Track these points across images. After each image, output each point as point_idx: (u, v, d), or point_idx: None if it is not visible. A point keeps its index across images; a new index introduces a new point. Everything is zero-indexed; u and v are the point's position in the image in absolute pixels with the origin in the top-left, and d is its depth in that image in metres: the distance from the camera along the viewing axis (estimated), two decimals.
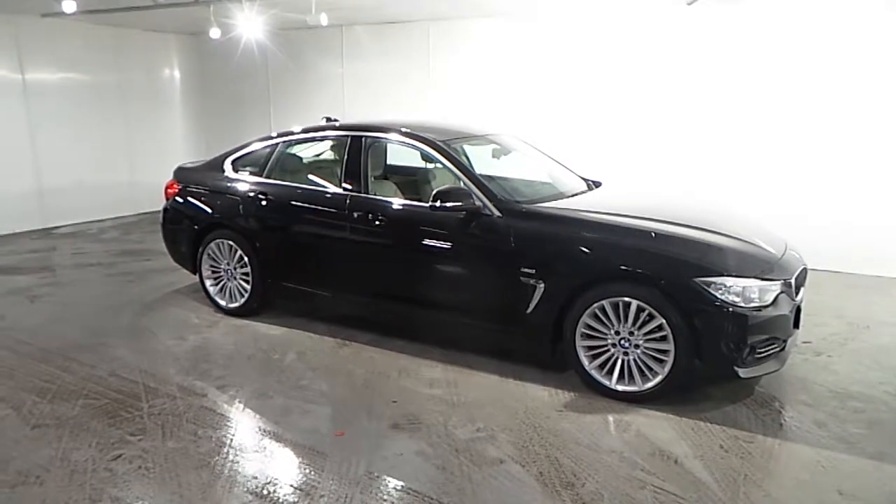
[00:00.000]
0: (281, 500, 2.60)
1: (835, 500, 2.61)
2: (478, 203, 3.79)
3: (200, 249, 4.93)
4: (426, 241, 3.96)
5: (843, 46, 5.69)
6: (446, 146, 4.14)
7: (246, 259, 4.71)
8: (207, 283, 4.98)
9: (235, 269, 4.82)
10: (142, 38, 9.19)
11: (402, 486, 2.70)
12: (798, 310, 3.50)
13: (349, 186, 4.31)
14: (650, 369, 3.39)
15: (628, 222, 3.61)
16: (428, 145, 4.16)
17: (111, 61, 8.91)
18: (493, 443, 3.06)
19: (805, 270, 3.71)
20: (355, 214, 4.19)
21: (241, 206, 4.72)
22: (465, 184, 3.92)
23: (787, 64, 5.93)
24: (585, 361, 3.54)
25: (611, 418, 3.31)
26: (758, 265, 3.37)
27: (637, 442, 3.07)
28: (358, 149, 4.38)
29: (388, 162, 5.22)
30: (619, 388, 3.47)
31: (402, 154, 4.97)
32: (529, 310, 3.64)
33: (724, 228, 3.64)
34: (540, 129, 6.64)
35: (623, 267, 3.38)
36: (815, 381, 3.71)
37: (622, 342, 3.44)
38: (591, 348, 3.53)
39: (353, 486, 2.70)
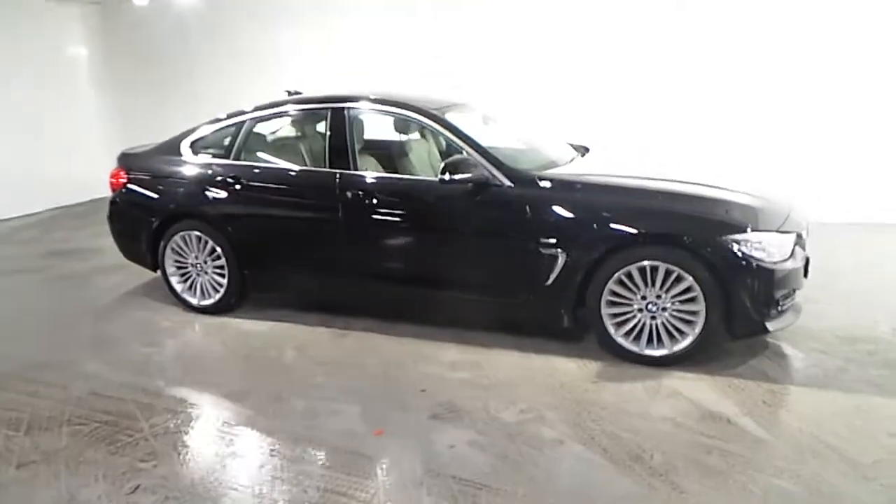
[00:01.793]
0: None
1: (891, 444, 2.69)
2: (486, 174, 3.59)
3: (163, 243, 4.42)
4: (433, 217, 3.72)
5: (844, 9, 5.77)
6: (444, 116, 3.88)
7: (219, 250, 4.27)
8: (173, 280, 4.49)
9: (206, 262, 4.36)
10: (38, 9, 8.12)
11: (470, 482, 2.52)
12: (807, 260, 3.58)
13: (337, 164, 3.97)
14: (679, 331, 3.37)
15: (647, 184, 3.53)
16: (426, 116, 3.87)
17: (4, 38, 7.82)
18: (543, 423, 2.94)
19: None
20: (348, 194, 3.86)
21: (209, 193, 4.25)
22: (468, 154, 3.69)
23: (783, 25, 5.94)
24: (611, 329, 3.47)
25: (648, 384, 3.26)
26: (775, 218, 3.39)
27: (683, 406, 3.04)
28: (341, 122, 4.03)
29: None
30: (649, 352, 3.42)
31: (373, 127, 4.65)
32: (550, 281, 3.51)
33: (731, 185, 3.65)
34: (496, 98, 6.46)
35: (649, 230, 3.31)
36: (818, 328, 3.82)
37: (649, 306, 3.38)
38: (615, 315, 3.46)
39: (417, 489, 2.49)
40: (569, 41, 6.66)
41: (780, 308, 3.34)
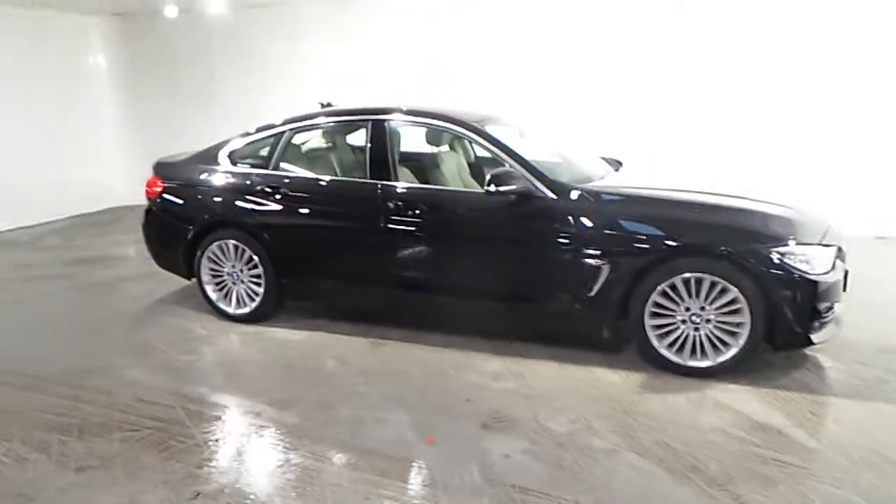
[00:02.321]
0: None
1: None
2: (530, 186, 3.63)
3: (199, 252, 4.45)
4: (477, 229, 3.76)
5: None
6: (485, 128, 3.92)
7: (256, 259, 4.30)
8: (208, 288, 4.52)
9: (242, 271, 4.39)
10: (61, 21, 8.20)
11: (529, 490, 2.53)
12: (846, 273, 3.61)
13: (378, 174, 4.01)
14: (723, 343, 3.39)
15: (689, 197, 3.58)
16: (469, 129, 3.92)
17: (27, 48, 7.89)
18: (594, 434, 2.95)
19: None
20: (391, 204, 3.90)
21: (247, 203, 4.28)
22: (511, 166, 3.73)
23: (814, 37, 6.00)
24: (655, 340, 3.49)
25: (693, 396, 3.29)
26: (816, 231, 3.43)
27: (731, 417, 3.06)
28: (382, 134, 4.07)
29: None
30: (692, 364, 3.45)
31: (404, 139, 4.70)
32: (593, 292, 3.54)
33: (770, 198, 3.69)
34: (524, 112, 6.52)
35: (694, 242, 3.34)
36: (854, 340, 3.84)
37: (693, 318, 3.41)
38: (659, 326, 3.49)
39: (478, 497, 2.50)
40: (590, 54, 6.74)
41: (822, 320, 3.37)
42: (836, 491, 2.48)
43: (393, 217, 3.90)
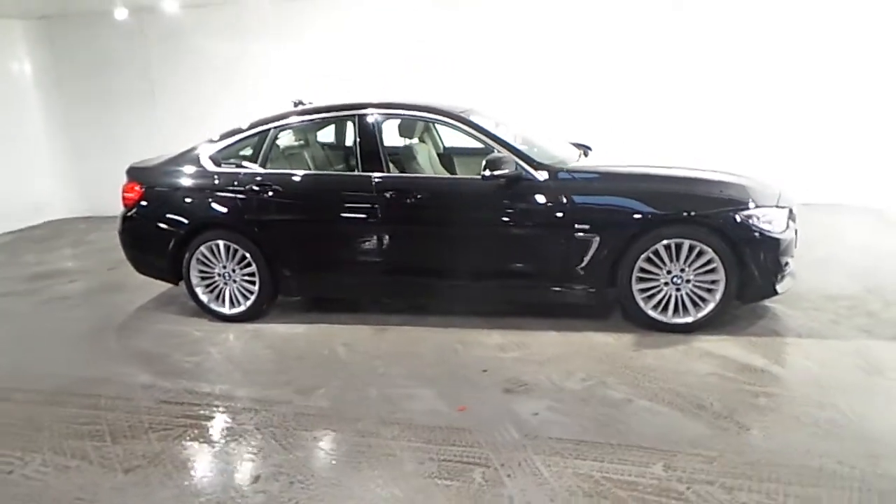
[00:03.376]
0: (475, 481, 2.58)
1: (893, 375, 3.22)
2: (519, 169, 3.91)
3: (187, 255, 4.45)
4: (471, 213, 4.00)
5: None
6: (473, 120, 4.16)
7: (250, 258, 4.35)
8: (199, 290, 4.52)
9: (235, 270, 4.43)
10: None
11: (566, 440, 2.82)
12: (796, 232, 4.12)
13: (369, 167, 4.17)
14: (702, 300, 3.81)
15: (662, 172, 3.96)
16: (456, 119, 4.14)
17: None
18: (607, 387, 3.28)
19: None
20: (387, 195, 4.07)
21: (237, 202, 4.32)
22: (499, 152, 3.99)
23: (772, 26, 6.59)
24: (642, 303, 3.87)
25: (681, 348, 3.68)
26: (772, 196, 3.90)
27: (720, 362, 3.47)
28: (369, 127, 4.23)
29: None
30: (676, 320, 3.85)
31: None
32: (583, 264, 3.87)
33: (727, 171, 4.14)
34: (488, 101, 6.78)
35: (674, 211, 3.73)
36: (804, 291, 4.35)
37: (674, 280, 3.81)
38: (644, 290, 3.86)
39: (521, 451, 2.76)
40: (558, 39, 7.06)
41: (783, 273, 3.85)
42: (820, 412, 2.91)
43: (389, 206, 4.07)
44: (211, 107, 7.93)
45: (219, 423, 3.15)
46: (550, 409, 3.10)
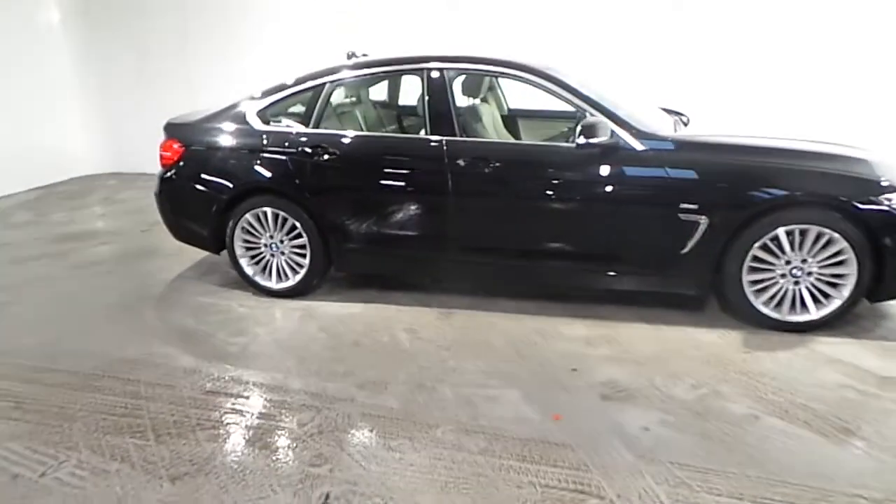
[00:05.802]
0: None
1: None
2: (616, 137, 3.36)
3: (232, 223, 4.01)
4: (559, 186, 3.48)
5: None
6: (559, 77, 3.59)
7: (300, 228, 3.90)
8: (243, 262, 4.09)
9: (283, 241, 3.99)
10: None
11: (689, 466, 2.36)
12: None
13: (439, 130, 3.65)
14: (825, 296, 3.28)
15: (790, 145, 3.39)
16: (545, 78, 3.56)
17: None
18: (723, 398, 2.80)
19: None
20: (460, 162, 3.56)
21: (288, 165, 3.85)
22: (591, 116, 3.44)
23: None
24: (752, 296, 3.35)
25: (800, 352, 3.17)
26: None
27: (853, 372, 2.97)
28: (441, 86, 3.69)
29: None
30: (791, 318, 3.33)
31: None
32: (686, 249, 3.35)
33: (850, 145, 3.54)
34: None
35: (802, 191, 3.17)
36: None
37: (793, 271, 3.28)
38: (755, 282, 3.34)
39: (639, 478, 2.31)
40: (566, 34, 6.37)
41: None
42: None
43: (463, 176, 3.56)
44: (246, 60, 7.41)
45: (275, 423, 2.74)
46: (662, 423, 2.64)
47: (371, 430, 2.67)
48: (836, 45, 5.79)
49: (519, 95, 4.98)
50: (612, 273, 3.57)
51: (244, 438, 2.64)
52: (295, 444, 2.59)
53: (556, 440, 2.55)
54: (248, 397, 2.96)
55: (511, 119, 4.92)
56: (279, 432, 2.68)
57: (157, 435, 2.68)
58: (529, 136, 4.87)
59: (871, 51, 5.72)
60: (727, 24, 6.07)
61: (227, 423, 2.75)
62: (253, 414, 2.83)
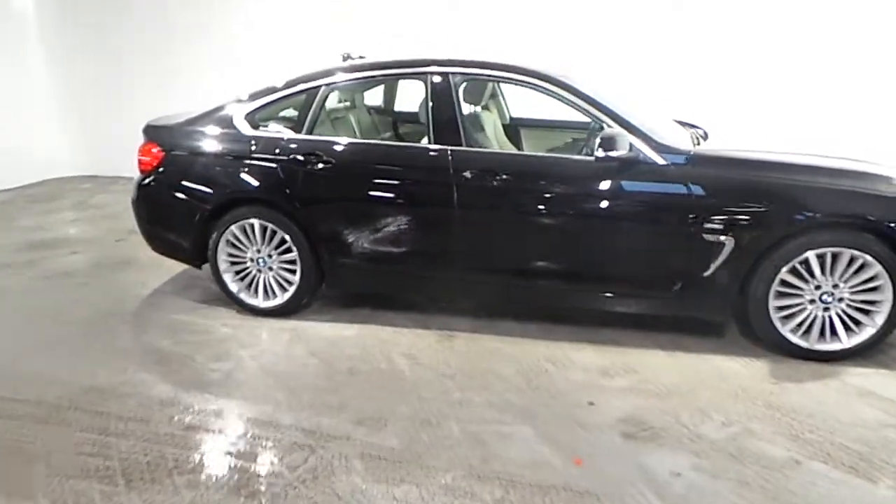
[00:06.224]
0: None
1: None
2: (636, 151, 3.13)
3: (215, 235, 3.70)
4: (577, 201, 3.23)
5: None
6: (576, 86, 3.34)
7: (290, 242, 3.61)
8: (227, 277, 3.78)
9: (271, 256, 3.69)
10: None
11: None
12: None
13: (444, 139, 3.38)
14: (856, 323, 3.07)
15: (820, 163, 3.17)
16: (560, 87, 3.29)
17: None
18: (757, 438, 2.56)
19: None
20: (467, 174, 3.29)
21: (278, 174, 3.56)
22: (609, 127, 3.20)
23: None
24: (778, 323, 3.13)
25: (831, 383, 2.96)
26: None
27: (891, 408, 2.75)
28: (446, 91, 3.43)
29: None
30: (819, 347, 3.11)
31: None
32: (709, 271, 3.12)
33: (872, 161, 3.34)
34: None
35: (837, 212, 2.96)
36: None
37: (823, 297, 3.06)
38: (782, 308, 3.12)
39: None
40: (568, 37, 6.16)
41: None
42: None
43: (469, 189, 3.30)
44: (232, 60, 7.08)
45: (264, 466, 2.44)
46: (696, 468, 2.39)
47: (371, 476, 2.38)
48: (841, 50, 5.64)
49: (517, 103, 4.78)
50: (626, 296, 3.33)
51: (227, 485, 2.34)
52: (286, 493, 2.29)
53: (578, 488, 2.29)
54: (232, 434, 2.66)
55: (513, 128, 4.68)
56: (269, 476, 2.38)
57: (128, 480, 2.36)
58: (531, 147, 4.62)
59: (871, 50, 5.58)
60: (727, 25, 5.90)
61: (209, 466, 2.45)
62: (238, 454, 2.52)
